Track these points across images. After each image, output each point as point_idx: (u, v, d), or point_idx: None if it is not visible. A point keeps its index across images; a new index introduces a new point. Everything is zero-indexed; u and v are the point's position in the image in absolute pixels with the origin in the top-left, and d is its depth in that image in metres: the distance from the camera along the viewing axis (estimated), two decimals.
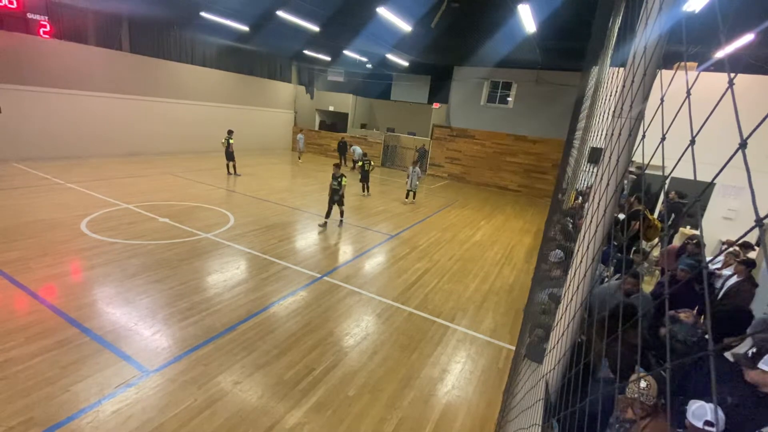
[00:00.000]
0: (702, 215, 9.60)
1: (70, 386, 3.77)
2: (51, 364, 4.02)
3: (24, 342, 4.28)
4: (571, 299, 2.11)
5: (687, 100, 0.95)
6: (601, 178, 1.98)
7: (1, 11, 11.61)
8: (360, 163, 13.81)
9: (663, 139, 1.04)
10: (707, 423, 2.31)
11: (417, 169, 13.04)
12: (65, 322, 4.72)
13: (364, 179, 13.58)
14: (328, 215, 9.58)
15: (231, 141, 13.92)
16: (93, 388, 3.77)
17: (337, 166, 9.41)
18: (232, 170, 14.35)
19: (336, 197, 9.43)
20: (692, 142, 0.90)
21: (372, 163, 14.01)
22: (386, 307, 6.09)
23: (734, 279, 4.87)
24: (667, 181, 10.78)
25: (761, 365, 2.24)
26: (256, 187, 13.01)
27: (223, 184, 12.75)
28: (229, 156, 14.05)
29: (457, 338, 5.46)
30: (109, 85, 14.54)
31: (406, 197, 13.51)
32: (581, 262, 2.02)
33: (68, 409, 3.52)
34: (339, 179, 9.25)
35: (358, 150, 18.68)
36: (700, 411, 2.35)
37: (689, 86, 0.99)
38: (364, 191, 13.71)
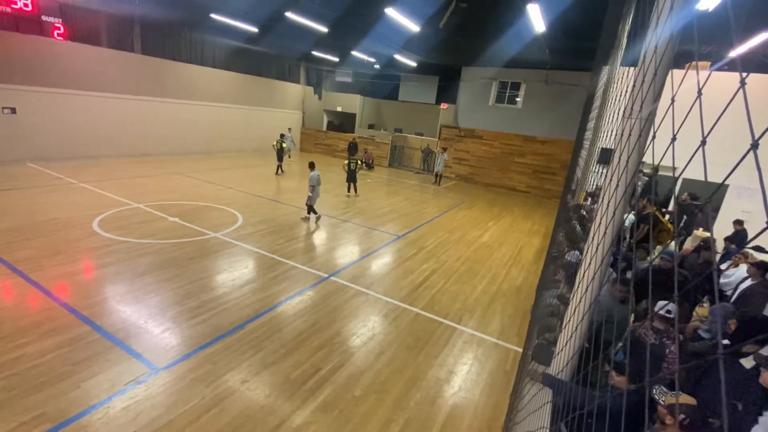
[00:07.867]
0: (715, 217, 9.43)
1: (81, 383, 3.83)
2: (63, 361, 4.08)
3: (37, 338, 4.36)
4: (580, 301, 2.09)
5: (698, 100, 0.94)
6: (612, 179, 1.96)
7: (16, 14, 11.85)
8: (346, 162, 13.35)
9: (674, 139, 1.02)
10: (667, 311, 3.34)
11: (313, 173, 9.53)
12: (77, 320, 4.80)
13: (351, 179, 13.24)
14: None
15: (284, 144, 15.35)
16: (103, 385, 3.83)
17: None
18: (280, 170, 15.49)
19: None
20: (703, 142, 0.89)
21: (359, 162, 13.56)
22: (393, 307, 6.08)
23: (748, 282, 4.77)
24: (679, 182, 10.61)
25: None
26: (265, 187, 13.09)
27: (232, 184, 12.85)
28: (280, 157, 15.38)
29: (464, 340, 5.44)
30: (121, 87, 14.76)
31: (308, 213, 9.90)
32: (590, 264, 2.00)
33: (79, 405, 3.57)
34: None
35: (442, 156, 17.40)
36: (661, 304, 3.41)
37: (700, 86, 0.97)
38: (349, 191, 13.37)
